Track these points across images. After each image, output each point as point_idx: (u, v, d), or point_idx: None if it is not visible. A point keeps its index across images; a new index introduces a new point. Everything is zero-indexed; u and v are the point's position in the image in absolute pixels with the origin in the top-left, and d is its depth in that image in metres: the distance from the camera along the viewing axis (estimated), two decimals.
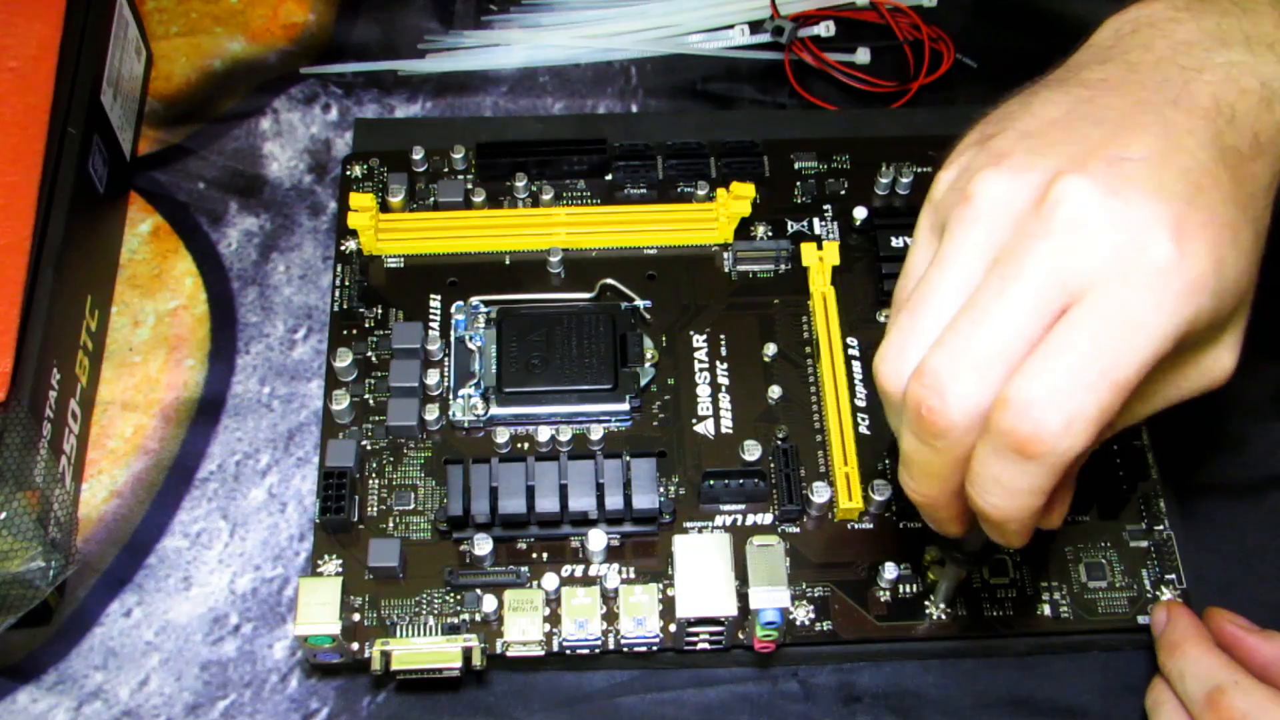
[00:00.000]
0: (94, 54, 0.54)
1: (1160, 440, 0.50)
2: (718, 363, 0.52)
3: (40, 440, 0.46)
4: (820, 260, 0.53)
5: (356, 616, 0.46)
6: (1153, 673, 0.45)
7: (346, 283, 0.53)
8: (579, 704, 0.46)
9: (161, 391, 0.53)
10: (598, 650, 0.45)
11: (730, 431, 0.50)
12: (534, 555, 0.47)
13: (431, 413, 0.50)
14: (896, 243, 0.53)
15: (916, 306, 0.33)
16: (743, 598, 0.45)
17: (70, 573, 0.46)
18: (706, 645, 0.46)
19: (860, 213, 0.55)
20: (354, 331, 0.52)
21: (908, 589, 0.47)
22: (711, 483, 0.48)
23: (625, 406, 0.50)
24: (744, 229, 0.54)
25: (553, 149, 0.56)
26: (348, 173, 0.56)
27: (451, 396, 0.50)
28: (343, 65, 0.62)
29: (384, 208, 0.55)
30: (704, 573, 0.45)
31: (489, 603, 0.45)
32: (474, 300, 0.52)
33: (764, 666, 0.47)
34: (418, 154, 0.56)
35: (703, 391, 0.51)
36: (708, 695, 0.47)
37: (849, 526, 0.48)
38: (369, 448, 0.50)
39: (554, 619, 0.45)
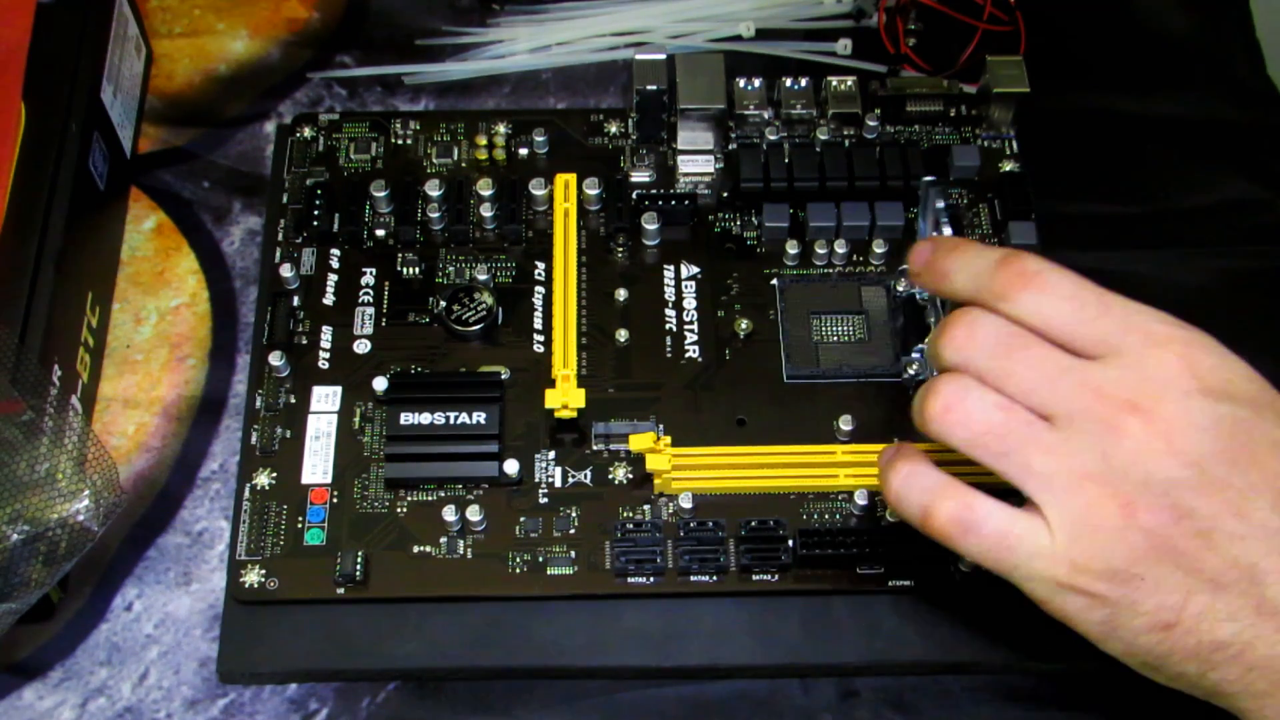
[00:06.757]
0: (93, 50, 0.54)
1: None
2: None
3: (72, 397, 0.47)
4: None
5: None
6: None
7: None
8: (578, 701, 0.46)
9: (163, 389, 0.53)
10: None
11: None
12: None
13: None
14: None
15: None
16: None
17: (120, 508, 0.45)
18: None
19: None
20: None
21: None
22: None
23: None
24: None
25: None
26: None
27: None
28: (347, 71, 0.62)
29: None
30: None
31: None
32: None
33: None
34: None
35: None
36: (707, 691, 0.47)
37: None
38: None
39: None
